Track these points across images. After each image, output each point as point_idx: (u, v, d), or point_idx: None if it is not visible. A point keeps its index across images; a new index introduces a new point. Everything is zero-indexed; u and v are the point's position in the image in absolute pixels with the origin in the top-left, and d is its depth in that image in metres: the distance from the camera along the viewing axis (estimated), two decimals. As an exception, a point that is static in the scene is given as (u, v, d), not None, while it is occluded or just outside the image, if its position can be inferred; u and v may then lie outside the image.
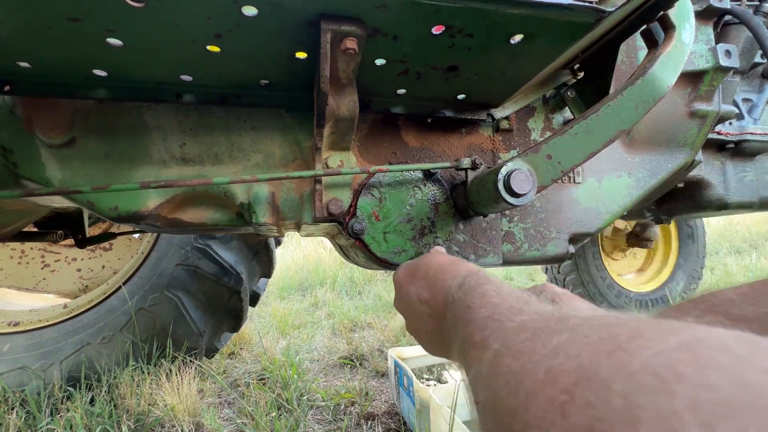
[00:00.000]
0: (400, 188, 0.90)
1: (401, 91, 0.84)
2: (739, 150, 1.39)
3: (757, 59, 1.32)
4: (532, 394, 0.25)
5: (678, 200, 1.49)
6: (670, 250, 3.03)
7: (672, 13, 0.77)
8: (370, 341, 2.77)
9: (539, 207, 1.02)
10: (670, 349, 0.20)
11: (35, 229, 1.78)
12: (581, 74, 0.95)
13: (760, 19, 1.09)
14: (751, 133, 1.37)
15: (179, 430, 1.64)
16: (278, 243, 2.33)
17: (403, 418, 1.72)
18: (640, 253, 3.14)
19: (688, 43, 0.78)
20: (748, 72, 1.38)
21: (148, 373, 1.82)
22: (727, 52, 1.08)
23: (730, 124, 1.37)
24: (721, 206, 1.40)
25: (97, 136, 0.81)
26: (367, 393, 1.95)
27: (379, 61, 0.71)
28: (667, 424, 0.17)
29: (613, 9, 0.64)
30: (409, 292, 0.64)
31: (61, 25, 0.56)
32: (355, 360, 2.44)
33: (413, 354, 1.98)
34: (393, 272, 0.77)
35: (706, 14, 1.11)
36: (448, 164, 0.87)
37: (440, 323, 0.56)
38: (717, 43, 1.12)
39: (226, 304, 1.99)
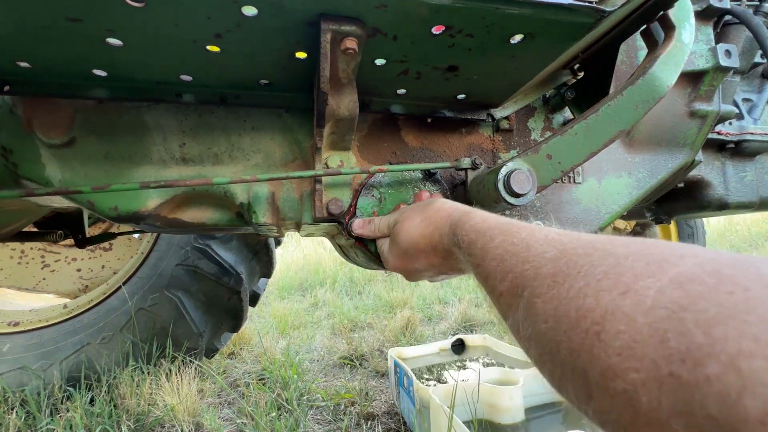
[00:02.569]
0: (400, 188, 0.89)
1: (401, 91, 0.84)
2: (739, 150, 1.38)
3: (757, 59, 1.32)
4: (570, 328, 0.32)
5: (678, 200, 1.49)
6: (670, 250, 3.02)
7: (672, 13, 0.77)
8: (370, 341, 2.77)
9: (539, 207, 1.02)
10: (666, 286, 0.28)
11: (35, 229, 1.78)
12: (581, 74, 0.95)
13: (760, 19, 1.09)
14: (751, 133, 1.36)
15: (179, 430, 1.64)
16: (278, 243, 2.34)
17: (403, 418, 1.72)
18: (640, 253, 3.13)
19: (688, 43, 0.78)
20: (748, 72, 1.38)
21: (148, 373, 1.82)
22: (727, 52, 1.07)
23: (730, 124, 1.37)
24: (721, 206, 1.40)
25: (97, 136, 0.81)
26: (367, 393, 1.95)
27: (379, 61, 0.71)
28: (683, 334, 0.25)
29: (613, 9, 0.64)
30: (414, 263, 0.70)
31: (61, 25, 0.56)
32: (355, 360, 2.44)
33: (413, 354, 1.98)
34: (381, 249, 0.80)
35: (706, 14, 1.10)
36: (448, 164, 0.87)
37: (442, 253, 0.63)
38: (717, 43, 1.11)
39: (226, 304, 1.99)
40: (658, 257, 0.31)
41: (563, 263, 0.37)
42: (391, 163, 0.94)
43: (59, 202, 1.14)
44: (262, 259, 2.13)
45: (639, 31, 0.81)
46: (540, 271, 0.39)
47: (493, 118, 0.97)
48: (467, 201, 0.86)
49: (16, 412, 1.60)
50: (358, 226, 0.83)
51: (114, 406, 1.71)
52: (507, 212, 0.99)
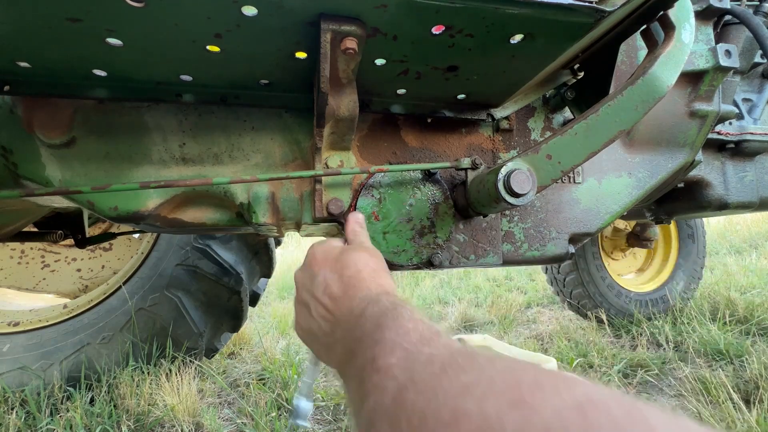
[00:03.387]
0: (399, 188, 0.90)
1: (401, 91, 0.84)
2: (739, 150, 1.38)
3: (757, 59, 1.32)
4: None
5: (678, 200, 1.49)
6: (670, 250, 3.03)
7: (672, 13, 0.77)
8: (370, 341, 2.76)
9: (539, 207, 1.02)
10: (566, 408, 0.23)
11: (35, 229, 1.78)
12: (581, 74, 0.95)
13: (760, 19, 1.09)
14: (751, 133, 1.36)
15: (179, 430, 1.64)
16: (278, 243, 2.33)
17: (403, 418, 1.71)
18: (640, 253, 3.13)
19: (688, 43, 0.78)
20: (748, 72, 1.38)
21: (148, 373, 1.82)
22: (727, 52, 1.07)
23: (730, 124, 1.37)
24: (721, 206, 1.40)
25: (97, 136, 0.81)
26: (367, 393, 1.95)
27: (379, 61, 0.71)
28: None
29: (613, 9, 0.64)
30: (318, 275, 0.62)
31: (61, 25, 0.56)
32: (355, 360, 2.44)
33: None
34: (315, 242, 0.72)
35: (706, 14, 1.10)
36: (448, 164, 0.87)
37: (335, 327, 0.55)
38: (717, 43, 1.11)
39: (226, 304, 1.99)
40: (570, 376, 0.27)
41: (464, 355, 0.32)
42: (391, 163, 0.94)
43: (59, 202, 1.14)
44: (262, 259, 2.13)
45: (639, 31, 0.81)
46: (433, 355, 0.34)
47: (493, 118, 0.97)
48: (467, 201, 0.86)
49: (16, 412, 1.60)
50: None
51: (114, 406, 1.71)
52: (507, 211, 0.99)
